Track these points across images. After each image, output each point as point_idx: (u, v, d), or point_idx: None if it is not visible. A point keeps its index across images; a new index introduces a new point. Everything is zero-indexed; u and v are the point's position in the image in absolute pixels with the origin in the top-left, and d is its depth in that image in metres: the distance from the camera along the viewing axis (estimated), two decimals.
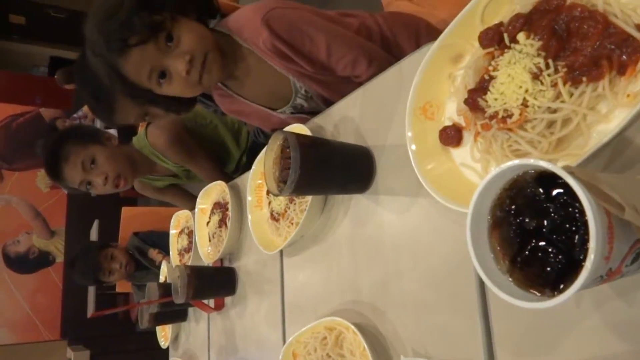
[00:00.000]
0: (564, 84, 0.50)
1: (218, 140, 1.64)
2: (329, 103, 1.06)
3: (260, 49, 0.99)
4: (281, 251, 1.02)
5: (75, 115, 4.40)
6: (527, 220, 0.40)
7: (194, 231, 1.41)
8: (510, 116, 0.53)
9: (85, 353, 3.30)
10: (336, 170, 0.77)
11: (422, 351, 0.65)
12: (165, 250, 2.02)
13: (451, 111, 0.65)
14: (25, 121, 4.73)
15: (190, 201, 1.75)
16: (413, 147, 0.64)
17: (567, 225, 0.37)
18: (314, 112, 1.11)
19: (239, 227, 1.22)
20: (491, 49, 0.58)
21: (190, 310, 1.46)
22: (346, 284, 0.83)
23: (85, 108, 3.97)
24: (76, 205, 4.16)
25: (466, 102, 0.59)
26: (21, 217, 4.34)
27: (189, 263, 1.44)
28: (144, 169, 1.66)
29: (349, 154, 0.79)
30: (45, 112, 4.79)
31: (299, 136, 0.74)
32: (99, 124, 2.94)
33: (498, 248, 0.42)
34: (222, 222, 1.28)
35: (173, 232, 1.63)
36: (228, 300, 1.25)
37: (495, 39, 0.57)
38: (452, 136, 0.64)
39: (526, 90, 0.52)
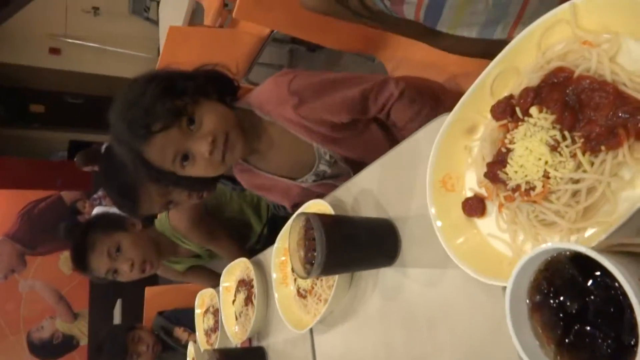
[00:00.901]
0: (583, 154, 0.50)
1: (239, 216, 1.66)
2: (351, 163, 1.08)
3: (286, 119, 1.02)
4: (311, 329, 1.00)
5: (95, 196, 4.50)
6: (568, 303, 0.39)
7: (220, 310, 1.40)
8: (533, 189, 0.53)
9: None
10: (362, 247, 0.76)
11: None
12: (191, 328, 2.00)
13: (471, 182, 0.66)
14: (46, 205, 4.84)
15: (213, 280, 1.75)
16: (439, 223, 0.64)
17: (612, 309, 0.36)
18: (334, 177, 1.13)
19: (265, 304, 1.20)
20: (504, 121, 0.59)
21: None
22: None
23: None
24: (99, 286, 4.16)
25: (486, 175, 0.59)
26: (45, 302, 4.35)
27: (216, 343, 1.41)
28: (167, 252, 1.68)
29: (372, 228, 0.79)
30: (66, 195, 4.90)
31: (321, 216, 0.75)
32: None
33: (541, 332, 0.41)
34: (248, 300, 1.26)
35: (198, 311, 1.62)
36: None
37: (508, 111, 0.58)
38: (475, 207, 0.64)
39: (546, 162, 0.52)
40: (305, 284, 0.99)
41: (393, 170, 0.85)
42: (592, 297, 0.38)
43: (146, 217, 1.78)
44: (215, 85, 1.05)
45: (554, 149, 0.52)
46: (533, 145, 0.53)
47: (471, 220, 0.65)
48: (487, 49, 0.68)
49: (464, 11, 0.76)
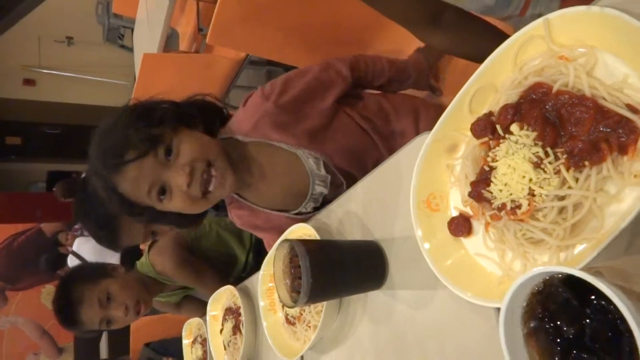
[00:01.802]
0: (567, 170, 0.49)
1: (222, 247, 1.63)
2: (346, 175, 1.03)
3: (268, 125, 0.98)
4: (302, 356, 0.97)
5: (76, 227, 4.40)
6: (564, 327, 0.38)
7: (208, 340, 1.36)
8: (519, 207, 0.52)
9: None
10: (349, 272, 0.75)
11: None
12: (178, 357, 1.96)
13: (456, 200, 0.65)
14: (26, 238, 4.73)
15: (205, 309, 1.71)
16: (426, 245, 0.63)
17: (609, 334, 0.35)
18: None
19: (254, 332, 1.17)
20: (485, 139, 0.58)
21: None
22: None
23: None
24: None
25: (471, 194, 0.58)
26: (28, 338, 4.22)
27: None
28: (156, 289, 1.64)
29: (359, 252, 0.78)
30: (46, 227, 4.79)
31: (305, 243, 0.73)
32: None
33: (538, 358, 0.40)
34: (236, 329, 1.23)
35: (186, 342, 1.57)
36: None
37: (488, 128, 0.58)
38: (461, 226, 0.62)
39: (530, 180, 0.51)
40: (294, 311, 0.97)
41: (376, 191, 0.84)
42: (589, 321, 0.36)
43: (126, 261, 1.74)
44: (204, 115, 1.00)
45: (537, 165, 0.51)
46: (516, 162, 0.52)
47: (458, 240, 0.64)
48: (476, 50, 0.68)
49: None
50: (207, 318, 1.36)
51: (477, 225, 0.62)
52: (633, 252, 0.48)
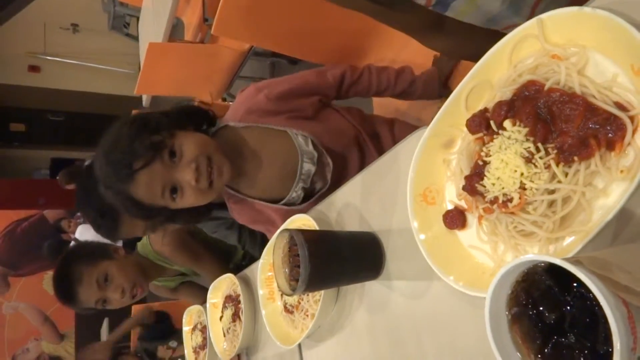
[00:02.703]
0: (557, 164, 0.51)
1: None
2: (333, 155, 1.11)
3: (259, 112, 1.07)
4: (299, 344, 1.00)
5: (79, 214, 4.44)
6: (546, 313, 0.40)
7: (207, 327, 1.39)
8: (510, 200, 0.54)
9: None
10: (346, 262, 0.77)
11: None
12: (174, 342, 2.00)
13: (451, 194, 0.67)
14: (29, 225, 4.77)
15: (203, 295, 1.72)
16: (421, 236, 0.65)
17: (587, 320, 0.37)
18: (320, 190, 1.13)
19: (253, 320, 1.20)
20: (480, 135, 0.60)
21: None
22: None
23: None
24: None
25: (464, 188, 0.60)
26: (30, 324, 4.27)
27: None
28: (154, 274, 1.66)
29: (356, 242, 0.80)
30: (49, 214, 4.83)
31: (304, 232, 0.75)
32: None
33: (521, 342, 0.42)
34: (236, 316, 1.26)
35: (186, 329, 1.60)
36: None
37: (483, 124, 0.59)
38: (456, 219, 0.64)
39: (521, 174, 0.53)
40: (292, 299, 0.99)
41: (374, 184, 0.85)
42: (569, 308, 0.38)
43: (127, 243, 1.76)
44: (191, 119, 1.08)
45: (528, 160, 0.53)
46: (508, 157, 0.54)
47: (453, 233, 0.66)
48: (479, 52, 0.69)
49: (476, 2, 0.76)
50: (207, 305, 1.39)
51: (471, 219, 0.64)
52: (618, 244, 0.49)
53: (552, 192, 0.52)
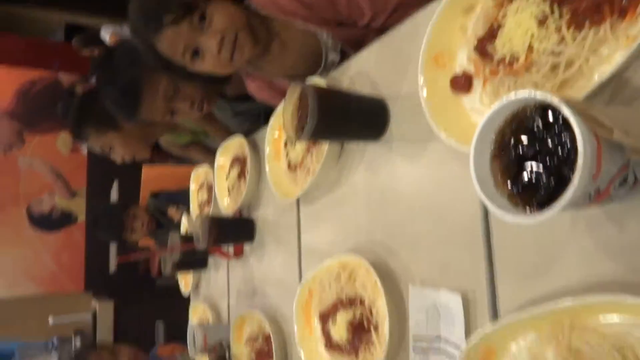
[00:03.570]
0: (568, 28, 0.53)
1: None
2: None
3: (288, 12, 1.04)
4: (298, 200, 1.07)
5: (93, 81, 4.44)
6: (525, 149, 0.44)
7: (214, 185, 1.47)
8: (517, 60, 0.56)
9: (109, 304, 3.46)
10: (351, 117, 0.81)
11: (430, 282, 0.70)
12: (184, 206, 2.11)
13: (462, 61, 0.69)
14: (44, 86, 4.80)
15: (211, 156, 1.79)
16: (424, 92, 0.68)
17: (561, 152, 0.41)
18: None
19: (257, 178, 1.27)
20: None
21: (210, 260, 1.54)
22: (361, 228, 0.88)
23: None
24: (96, 167, 4.26)
25: (476, 48, 0.62)
26: (43, 179, 4.46)
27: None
28: (164, 129, 1.72)
29: (363, 102, 0.84)
30: (63, 78, 4.84)
31: (315, 86, 0.78)
32: None
33: (499, 175, 0.47)
34: (241, 175, 1.33)
35: (193, 187, 1.70)
36: (247, 248, 1.31)
37: None
38: (462, 83, 0.67)
39: (532, 35, 0.55)
40: (296, 158, 1.05)
41: (390, 51, 0.87)
42: (547, 143, 0.42)
43: None
44: None
45: (541, 23, 0.55)
46: (523, 19, 0.56)
47: (457, 97, 0.69)
48: None
49: None
50: (215, 165, 1.46)
51: (477, 85, 0.67)
52: None
53: (558, 55, 0.54)
